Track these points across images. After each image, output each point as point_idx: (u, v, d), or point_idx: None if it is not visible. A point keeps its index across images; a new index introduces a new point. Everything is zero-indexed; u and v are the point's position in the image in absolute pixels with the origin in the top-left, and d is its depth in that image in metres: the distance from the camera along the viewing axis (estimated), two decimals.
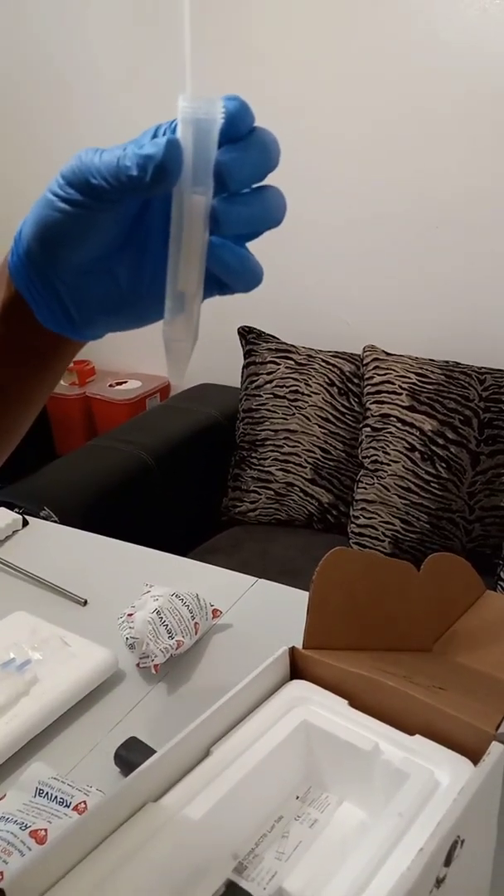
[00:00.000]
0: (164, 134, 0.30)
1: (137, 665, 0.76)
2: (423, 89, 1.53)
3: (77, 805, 0.58)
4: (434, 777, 0.45)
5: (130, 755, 0.64)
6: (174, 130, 0.30)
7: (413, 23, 1.50)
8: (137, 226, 0.33)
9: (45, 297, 0.34)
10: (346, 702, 0.54)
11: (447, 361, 1.49)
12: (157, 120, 0.31)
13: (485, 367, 1.47)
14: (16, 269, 0.33)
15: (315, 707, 0.54)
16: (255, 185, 0.31)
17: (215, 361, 1.69)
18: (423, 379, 1.46)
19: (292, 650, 0.58)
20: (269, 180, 0.32)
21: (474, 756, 0.46)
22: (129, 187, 0.29)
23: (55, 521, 1.25)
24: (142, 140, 0.30)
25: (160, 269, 0.32)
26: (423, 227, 1.64)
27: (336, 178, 1.69)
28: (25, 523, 1.07)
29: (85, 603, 0.88)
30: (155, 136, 0.30)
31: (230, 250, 0.31)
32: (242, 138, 0.29)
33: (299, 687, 0.56)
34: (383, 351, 1.53)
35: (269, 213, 0.31)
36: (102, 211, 0.31)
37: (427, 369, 1.47)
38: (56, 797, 0.59)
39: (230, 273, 0.31)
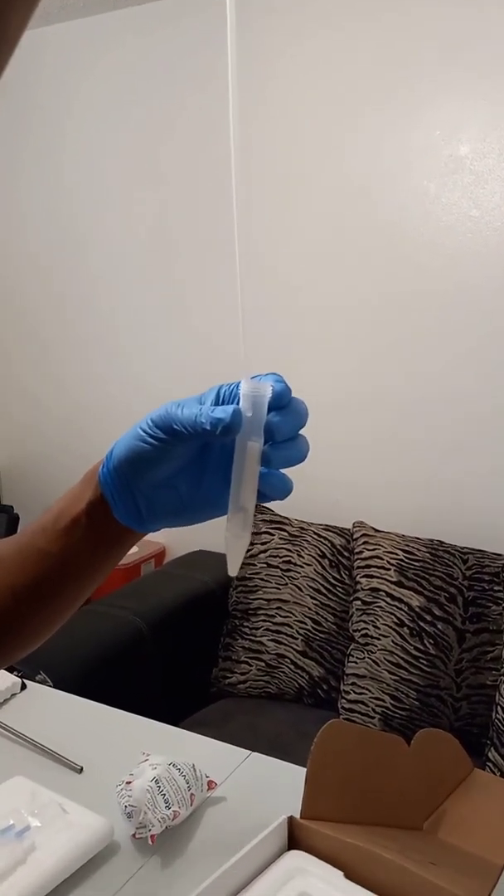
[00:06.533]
0: (226, 392, 0.43)
1: (133, 836, 0.76)
2: (409, 296, 1.75)
3: None
4: None
5: None
6: (232, 391, 0.42)
7: (394, 233, 1.74)
8: (197, 457, 0.46)
9: (124, 500, 0.45)
10: (341, 873, 0.56)
11: (432, 540, 1.57)
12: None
13: (467, 547, 1.55)
14: (104, 478, 0.45)
15: (312, 879, 0.56)
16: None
17: (210, 528, 1.76)
18: (410, 556, 1.54)
19: (290, 820, 0.61)
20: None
21: None
22: (202, 434, 0.41)
23: (49, 686, 1.26)
24: (207, 398, 0.43)
25: (211, 487, 0.45)
26: (411, 412, 1.80)
27: (328, 365, 1.88)
28: (24, 686, 1.09)
29: (81, 770, 0.89)
30: (218, 393, 0.43)
31: (275, 476, 0.43)
32: (284, 407, 0.42)
33: (297, 857, 0.58)
34: (372, 527, 1.62)
35: (300, 454, 0.43)
36: (176, 446, 0.43)
37: (413, 546, 1.55)
38: None
39: (274, 491, 0.43)
